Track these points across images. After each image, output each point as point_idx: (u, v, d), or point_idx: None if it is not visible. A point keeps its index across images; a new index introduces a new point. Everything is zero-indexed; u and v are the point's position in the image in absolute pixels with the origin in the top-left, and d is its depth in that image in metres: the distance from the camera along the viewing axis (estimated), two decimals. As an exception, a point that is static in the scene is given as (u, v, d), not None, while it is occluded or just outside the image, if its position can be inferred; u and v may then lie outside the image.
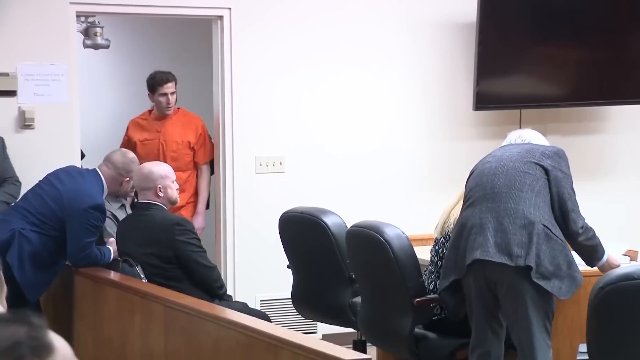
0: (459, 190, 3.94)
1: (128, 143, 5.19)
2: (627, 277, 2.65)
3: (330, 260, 4.18)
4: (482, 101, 5.54)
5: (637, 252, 4.28)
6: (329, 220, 4.17)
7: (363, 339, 4.27)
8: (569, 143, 5.26)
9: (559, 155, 3.57)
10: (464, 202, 3.62)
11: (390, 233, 3.69)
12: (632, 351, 2.70)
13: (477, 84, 5.50)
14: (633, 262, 3.99)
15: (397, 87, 5.65)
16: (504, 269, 3.40)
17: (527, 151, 3.59)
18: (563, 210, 3.48)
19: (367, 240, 3.76)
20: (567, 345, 3.71)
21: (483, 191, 3.54)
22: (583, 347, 2.99)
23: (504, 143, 3.80)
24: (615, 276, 2.68)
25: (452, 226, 3.79)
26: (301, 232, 4.33)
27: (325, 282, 4.25)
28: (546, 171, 3.50)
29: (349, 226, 4.01)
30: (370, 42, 5.57)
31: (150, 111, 5.31)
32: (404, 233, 3.75)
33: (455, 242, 3.55)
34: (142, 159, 4.83)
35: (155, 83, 5.26)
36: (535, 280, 3.34)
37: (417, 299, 3.62)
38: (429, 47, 5.68)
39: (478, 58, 5.47)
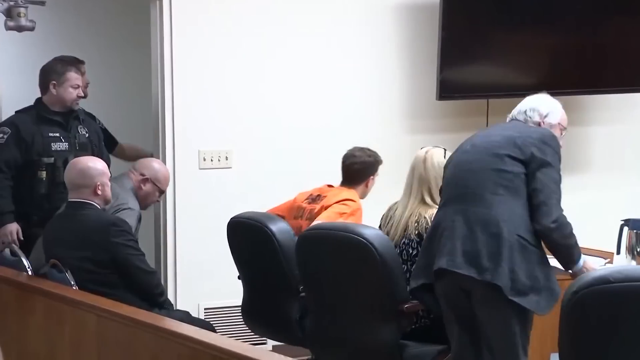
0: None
1: None
2: (603, 281, 2.68)
3: (275, 271, 4.17)
4: (447, 90, 5.58)
5: (613, 253, 4.35)
6: (274, 227, 4.16)
7: (314, 358, 4.28)
8: (539, 136, 5.33)
9: (544, 141, 3.48)
10: (440, 199, 3.63)
11: (370, 234, 3.67)
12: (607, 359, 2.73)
13: (440, 71, 5.54)
14: (609, 265, 4.05)
15: (353, 74, 5.67)
16: (474, 282, 3.40)
17: (507, 140, 3.50)
18: (535, 203, 3.41)
19: (344, 244, 3.72)
20: (537, 355, 3.75)
21: (456, 190, 3.53)
22: (555, 357, 3.02)
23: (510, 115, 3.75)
24: (590, 279, 2.70)
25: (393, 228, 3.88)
26: (247, 240, 4.33)
27: (272, 294, 4.25)
28: (526, 165, 3.44)
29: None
30: (325, 26, 5.58)
31: None
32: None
33: (427, 243, 3.56)
34: None
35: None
36: (511, 297, 3.32)
37: (406, 305, 3.64)
38: (388, 32, 5.71)
39: (442, 43, 5.50)
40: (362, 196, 4.62)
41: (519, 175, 3.42)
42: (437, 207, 3.83)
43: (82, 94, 4.99)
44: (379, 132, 5.72)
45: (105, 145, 5.24)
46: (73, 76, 4.94)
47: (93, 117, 5.40)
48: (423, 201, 3.92)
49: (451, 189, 3.55)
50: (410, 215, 3.91)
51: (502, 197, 3.39)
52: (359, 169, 4.57)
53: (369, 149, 4.65)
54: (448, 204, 3.53)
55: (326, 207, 4.39)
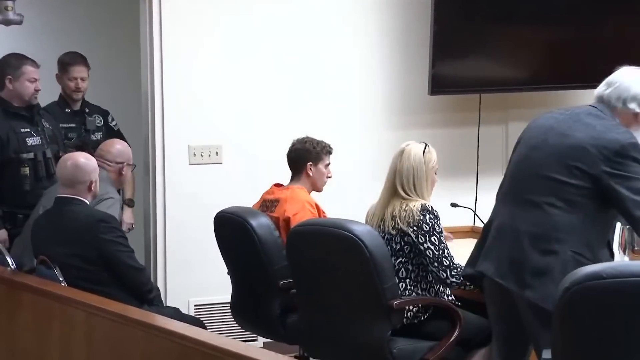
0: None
1: None
2: (595, 277, 2.68)
3: (257, 266, 4.18)
4: (438, 85, 5.58)
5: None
6: (254, 222, 4.16)
7: (305, 354, 4.29)
8: (532, 131, 5.33)
9: (621, 154, 3.16)
10: (503, 184, 3.43)
11: (361, 230, 3.65)
12: (600, 357, 2.74)
13: (432, 66, 5.54)
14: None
15: (344, 69, 5.66)
16: (517, 293, 3.28)
17: (579, 149, 3.20)
18: (632, 221, 3.18)
19: (334, 240, 3.71)
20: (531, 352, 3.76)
21: (517, 189, 3.34)
22: (547, 354, 3.03)
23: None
24: (582, 275, 2.70)
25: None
26: (231, 235, 4.34)
27: (255, 291, 4.27)
28: (595, 179, 3.18)
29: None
30: (315, 20, 5.58)
31: None
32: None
33: (482, 234, 3.45)
34: None
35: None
36: None
37: (396, 302, 3.65)
38: (379, 26, 5.71)
39: (434, 37, 5.50)
40: (312, 188, 4.56)
41: (585, 188, 3.20)
42: (415, 199, 3.85)
43: (39, 88, 4.92)
44: (370, 127, 5.72)
45: None
46: (29, 69, 4.88)
47: (107, 114, 5.38)
48: (396, 194, 3.90)
49: (513, 185, 3.38)
50: (386, 209, 3.92)
51: (561, 211, 3.22)
52: (292, 157, 4.57)
53: (310, 139, 4.60)
54: (506, 201, 3.38)
55: (286, 220, 4.33)
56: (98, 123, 5.35)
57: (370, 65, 5.71)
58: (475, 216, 5.00)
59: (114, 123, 5.44)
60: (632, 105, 3.30)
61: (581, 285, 2.70)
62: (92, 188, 4.19)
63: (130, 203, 5.25)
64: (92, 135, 5.25)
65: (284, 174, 5.28)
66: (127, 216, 5.20)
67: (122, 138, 5.34)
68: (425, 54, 5.55)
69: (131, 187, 5.28)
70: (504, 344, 3.50)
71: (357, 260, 3.63)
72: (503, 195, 3.42)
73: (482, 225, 4.66)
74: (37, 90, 4.90)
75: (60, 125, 5.19)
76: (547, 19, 5.74)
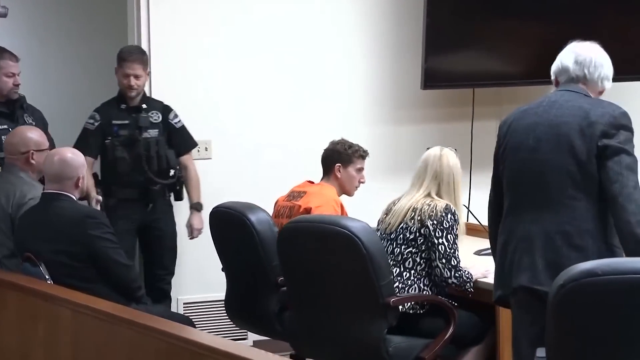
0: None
1: None
2: (590, 274, 2.68)
3: (254, 262, 4.17)
4: (431, 79, 5.58)
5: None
6: (253, 217, 4.15)
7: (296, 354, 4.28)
8: (526, 126, 5.33)
9: (614, 125, 3.19)
10: (506, 197, 3.38)
11: (356, 226, 3.65)
12: (595, 354, 2.74)
13: (425, 60, 5.53)
14: None
15: (335, 64, 5.66)
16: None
17: (578, 135, 3.21)
18: (610, 195, 3.14)
19: (329, 236, 3.71)
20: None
21: (528, 194, 3.30)
22: (541, 352, 3.03)
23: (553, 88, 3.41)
24: (577, 272, 2.70)
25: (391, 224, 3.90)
26: (228, 231, 4.33)
27: (252, 287, 4.26)
28: (598, 158, 3.17)
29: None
30: (306, 14, 5.57)
31: None
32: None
33: (500, 253, 3.39)
34: None
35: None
36: None
37: (392, 299, 3.65)
38: (371, 19, 5.70)
39: (427, 31, 5.49)
40: (341, 191, 4.57)
41: (592, 173, 3.20)
42: (442, 201, 3.91)
43: (18, 82, 4.82)
44: (362, 122, 5.72)
45: (173, 146, 5.07)
46: (7, 64, 4.80)
47: (168, 111, 5.11)
48: (429, 195, 3.98)
49: (525, 193, 3.33)
50: (413, 205, 3.96)
51: (582, 202, 3.21)
52: (323, 157, 4.61)
53: (344, 141, 4.62)
54: (520, 212, 3.34)
55: (307, 209, 4.34)
56: (155, 120, 5.05)
57: (363, 60, 5.70)
58: (469, 212, 4.99)
59: (176, 120, 5.12)
60: (605, 83, 3.45)
61: (576, 282, 2.70)
62: (80, 184, 4.18)
63: (198, 207, 5.13)
64: (146, 133, 5.00)
65: (273, 169, 5.28)
66: (196, 221, 5.11)
67: (184, 136, 5.12)
68: (418, 48, 5.55)
69: (197, 189, 5.15)
70: (531, 349, 3.44)
71: (353, 258, 3.63)
72: (514, 207, 3.36)
73: (476, 221, 4.72)
74: (16, 85, 4.81)
75: (113, 121, 5.01)
76: (542, 13, 5.73)
